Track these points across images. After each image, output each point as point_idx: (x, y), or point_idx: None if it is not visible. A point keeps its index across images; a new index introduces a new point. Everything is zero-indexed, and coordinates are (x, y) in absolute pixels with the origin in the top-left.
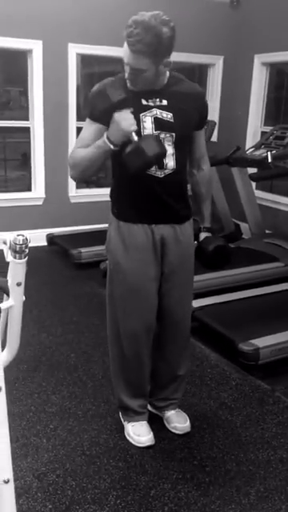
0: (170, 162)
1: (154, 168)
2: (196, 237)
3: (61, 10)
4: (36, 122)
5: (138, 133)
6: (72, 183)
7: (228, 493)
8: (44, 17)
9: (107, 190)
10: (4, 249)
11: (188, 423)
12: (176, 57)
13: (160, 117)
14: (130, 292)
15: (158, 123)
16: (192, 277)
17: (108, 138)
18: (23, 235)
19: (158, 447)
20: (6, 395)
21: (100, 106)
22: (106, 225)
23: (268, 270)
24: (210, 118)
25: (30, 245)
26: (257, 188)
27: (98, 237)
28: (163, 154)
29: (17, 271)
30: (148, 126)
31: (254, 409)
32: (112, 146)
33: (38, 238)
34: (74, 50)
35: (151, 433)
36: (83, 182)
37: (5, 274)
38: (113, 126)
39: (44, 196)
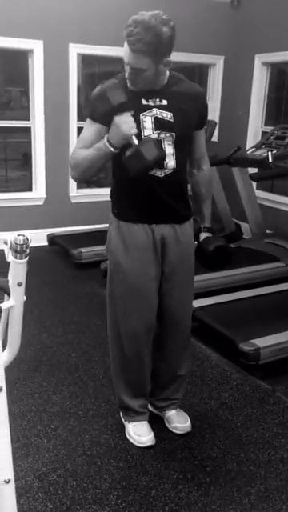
0: (171, 161)
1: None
2: (196, 237)
3: (61, 11)
4: (37, 122)
5: (139, 134)
6: (73, 183)
7: (229, 493)
8: (45, 17)
9: (108, 190)
10: (5, 249)
11: (189, 423)
12: (176, 57)
13: (160, 116)
14: (131, 292)
15: (158, 123)
16: (192, 277)
17: (108, 140)
18: (24, 235)
19: (158, 447)
20: (7, 395)
21: (100, 109)
22: (107, 225)
23: (269, 270)
24: (210, 117)
25: (31, 245)
26: (257, 188)
27: (98, 237)
28: (163, 157)
29: (17, 271)
30: (148, 126)
31: (255, 409)
32: (112, 149)
33: (38, 237)
34: (75, 50)
35: (152, 433)
36: (84, 182)
37: (5, 274)
38: (113, 129)
39: (45, 196)
